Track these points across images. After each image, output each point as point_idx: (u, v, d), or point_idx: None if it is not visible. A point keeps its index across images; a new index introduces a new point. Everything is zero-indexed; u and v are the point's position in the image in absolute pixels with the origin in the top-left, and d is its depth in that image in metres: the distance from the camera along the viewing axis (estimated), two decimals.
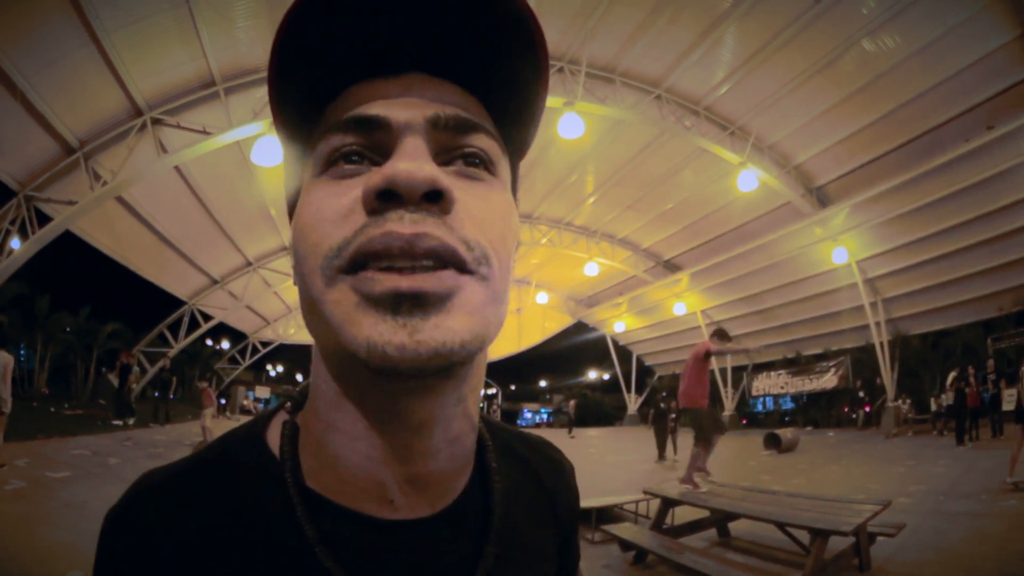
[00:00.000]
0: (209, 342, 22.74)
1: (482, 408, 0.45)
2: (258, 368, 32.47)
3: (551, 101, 9.15)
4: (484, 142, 0.36)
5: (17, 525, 4.31)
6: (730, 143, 11.73)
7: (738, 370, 20.69)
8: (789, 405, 20.99)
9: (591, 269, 17.86)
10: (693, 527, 4.69)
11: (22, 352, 16.21)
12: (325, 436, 0.37)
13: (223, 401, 21.76)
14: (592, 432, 22.18)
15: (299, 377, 36.72)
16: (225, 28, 8.20)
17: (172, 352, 16.56)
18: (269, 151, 9.10)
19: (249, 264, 16.06)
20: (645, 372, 25.19)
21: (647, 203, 15.26)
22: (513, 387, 45.32)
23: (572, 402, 23.42)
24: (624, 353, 24.65)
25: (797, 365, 18.90)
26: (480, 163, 0.35)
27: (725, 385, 20.25)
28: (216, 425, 11.59)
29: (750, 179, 11.84)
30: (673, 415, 11.63)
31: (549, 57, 0.37)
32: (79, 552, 3.55)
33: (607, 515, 5.31)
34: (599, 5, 9.04)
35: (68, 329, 17.33)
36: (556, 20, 9.28)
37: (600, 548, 4.56)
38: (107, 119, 9.05)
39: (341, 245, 0.31)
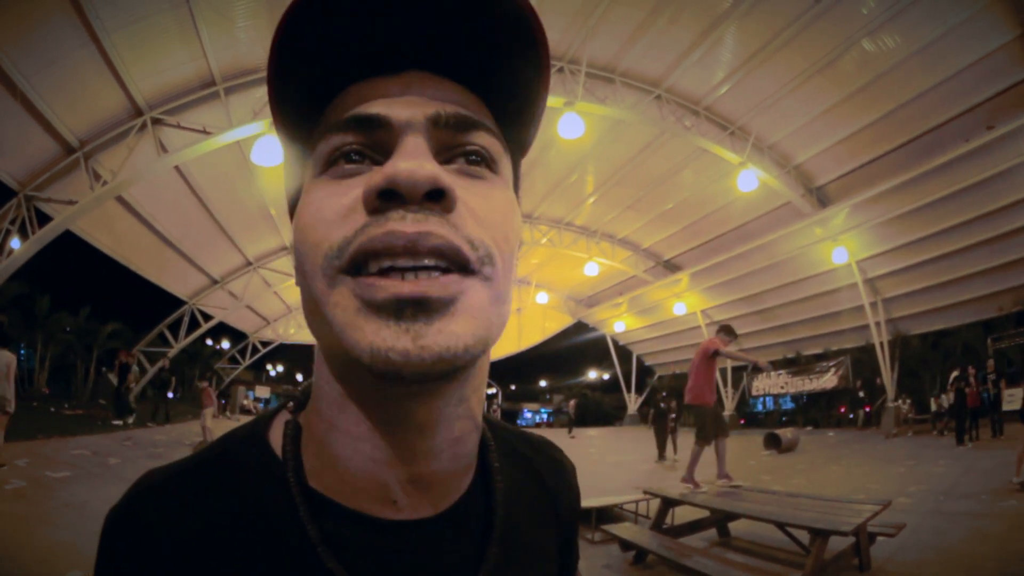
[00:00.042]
0: (209, 342, 22.76)
1: (483, 408, 0.45)
2: (258, 368, 32.53)
3: (551, 101, 9.10)
4: (485, 140, 0.35)
5: (17, 525, 4.30)
6: (730, 143, 11.72)
7: (738, 370, 20.67)
8: (789, 405, 21.00)
9: (591, 269, 17.84)
10: (693, 527, 4.69)
11: (22, 352, 16.18)
12: (328, 436, 0.37)
13: (223, 401, 21.75)
14: (592, 432, 22.16)
15: (299, 377, 36.70)
16: (225, 28, 8.19)
17: (172, 352, 16.56)
18: (269, 151, 9.09)
19: (249, 264, 16.04)
20: (645, 372, 25.16)
21: (647, 203, 15.23)
22: (513, 387, 45.41)
23: (572, 402, 23.44)
24: (624, 353, 24.62)
25: (797, 365, 18.88)
26: (482, 161, 0.35)
27: (725, 385, 20.23)
28: (216, 425, 11.58)
29: (750, 179, 11.83)
30: (673, 415, 11.64)
31: (551, 56, 0.37)
32: (79, 552, 3.55)
33: (607, 515, 5.31)
34: (599, 5, 9.02)
35: (68, 329, 17.36)
36: (556, 19, 9.26)
37: (600, 548, 4.56)
38: (107, 119, 9.04)
39: (342, 245, 0.31)
